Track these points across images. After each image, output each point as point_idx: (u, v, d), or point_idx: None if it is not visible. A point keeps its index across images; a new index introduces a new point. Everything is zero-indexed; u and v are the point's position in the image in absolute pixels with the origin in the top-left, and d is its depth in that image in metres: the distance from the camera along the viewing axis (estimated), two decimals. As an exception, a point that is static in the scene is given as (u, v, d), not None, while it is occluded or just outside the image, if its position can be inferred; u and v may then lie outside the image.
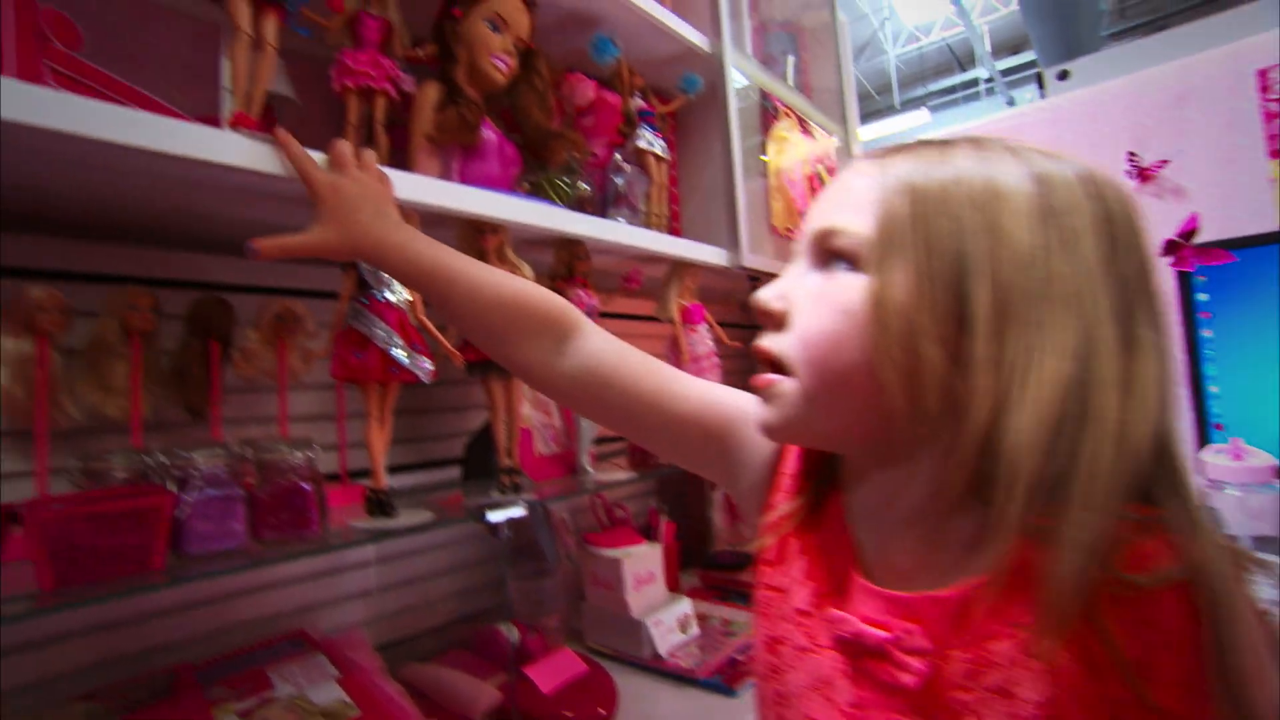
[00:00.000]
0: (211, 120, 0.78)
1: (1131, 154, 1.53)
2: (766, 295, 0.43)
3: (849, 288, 0.39)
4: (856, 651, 0.40)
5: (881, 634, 0.38)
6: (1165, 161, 1.49)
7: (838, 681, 0.41)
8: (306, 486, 0.68)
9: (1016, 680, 0.34)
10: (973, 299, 0.36)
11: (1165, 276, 1.41)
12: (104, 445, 0.78)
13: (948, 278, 0.36)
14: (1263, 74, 1.39)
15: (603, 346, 0.57)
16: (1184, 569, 0.33)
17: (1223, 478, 1.05)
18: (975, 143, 0.40)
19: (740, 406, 0.54)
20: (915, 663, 0.37)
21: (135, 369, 0.73)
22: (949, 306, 0.36)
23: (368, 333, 0.73)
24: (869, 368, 0.37)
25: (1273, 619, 0.35)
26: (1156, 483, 0.35)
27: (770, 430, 0.44)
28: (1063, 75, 1.89)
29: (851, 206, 0.40)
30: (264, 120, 0.94)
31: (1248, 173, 1.41)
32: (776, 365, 0.42)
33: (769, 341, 0.43)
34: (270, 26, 0.68)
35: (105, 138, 0.54)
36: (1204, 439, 1.32)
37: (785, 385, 0.41)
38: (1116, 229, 0.37)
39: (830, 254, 0.41)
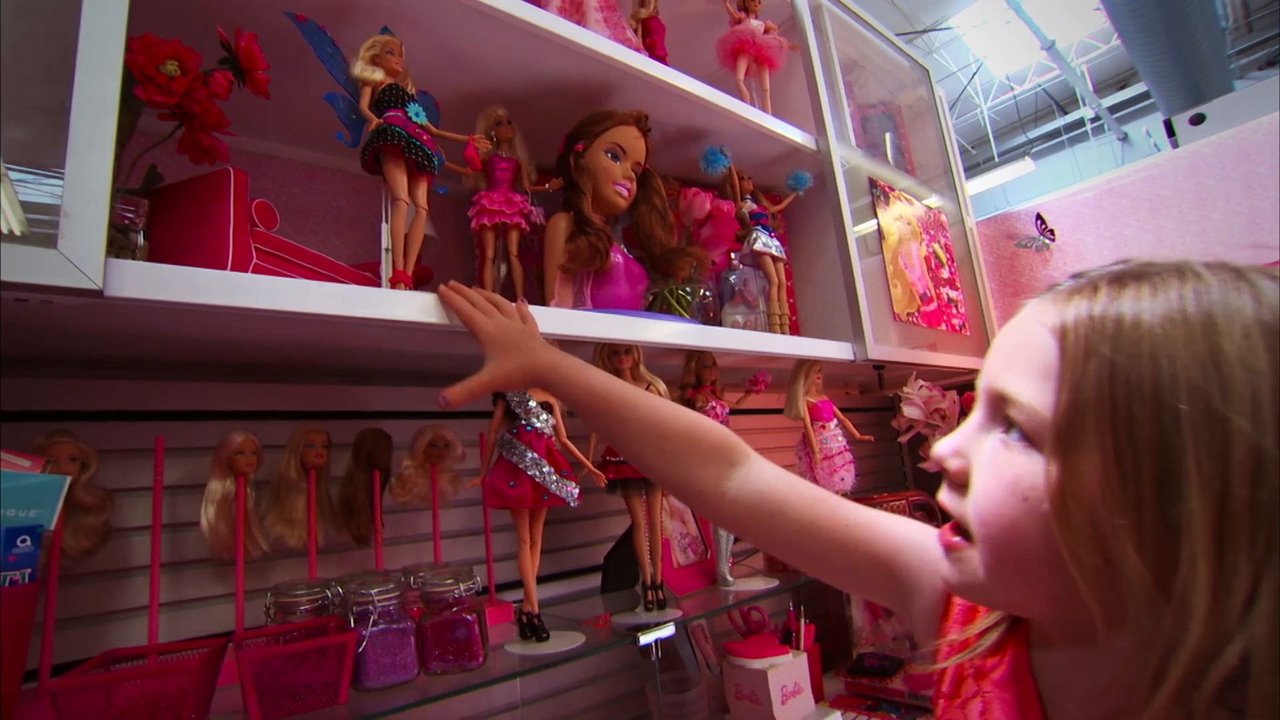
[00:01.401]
0: (371, 268, 0.87)
1: (1296, 196, 1.38)
2: (944, 451, 0.41)
3: (1025, 470, 0.35)
4: None
5: None
6: (1342, 201, 1.34)
7: None
8: (469, 618, 0.70)
9: None
10: (1184, 502, 0.29)
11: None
12: (283, 570, 0.86)
13: (1150, 473, 0.30)
14: None
15: (773, 476, 0.58)
16: None
17: None
18: (1185, 274, 0.32)
19: (909, 535, 0.52)
20: None
21: (311, 503, 0.79)
22: (1153, 507, 0.30)
23: (519, 463, 0.75)
24: (1050, 559, 0.33)
25: None
26: None
27: (954, 590, 0.42)
28: (1197, 119, 1.76)
29: (1029, 371, 0.36)
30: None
31: None
32: (961, 530, 0.40)
33: (951, 502, 0.41)
34: (421, 192, 0.76)
35: (293, 310, 0.61)
36: None
37: (968, 553, 0.39)
38: None
39: (1007, 420, 0.37)
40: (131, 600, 0.78)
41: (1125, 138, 6.80)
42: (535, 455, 0.76)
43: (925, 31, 6.08)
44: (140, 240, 0.63)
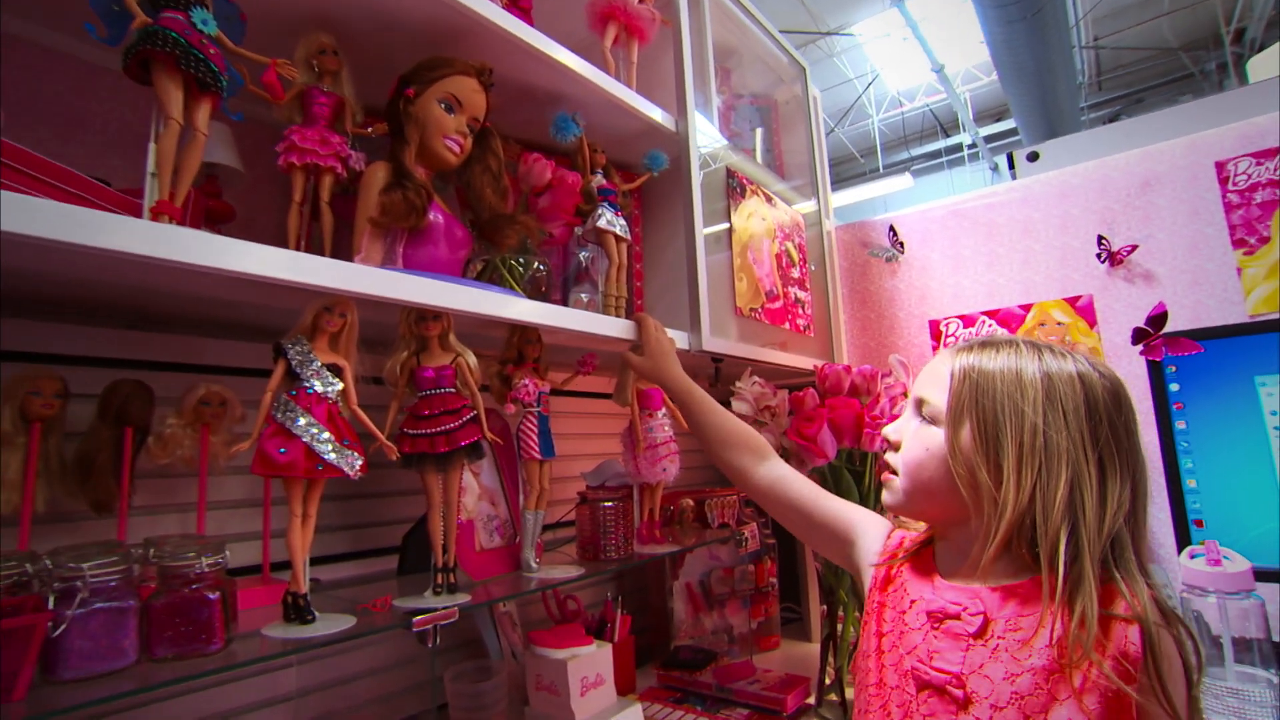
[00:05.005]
0: (137, 194, 0.78)
1: (1101, 237, 1.59)
2: (889, 431, 0.76)
3: (931, 435, 0.70)
4: (940, 617, 0.67)
5: (955, 606, 0.66)
6: (1134, 246, 1.55)
7: (925, 640, 0.67)
8: (211, 596, 0.65)
9: (1030, 639, 0.61)
10: (1005, 449, 0.63)
11: (1138, 367, 1.45)
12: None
13: (992, 436, 0.64)
14: (1221, 166, 1.46)
15: (785, 469, 0.94)
16: (1132, 613, 0.59)
17: (1202, 584, 1.05)
18: (1014, 345, 0.68)
19: (856, 513, 0.86)
20: (976, 618, 0.64)
21: (32, 460, 0.70)
22: (993, 451, 0.64)
23: (292, 427, 0.71)
24: (940, 480, 0.68)
25: (1182, 646, 0.60)
26: (1118, 561, 0.61)
27: (889, 507, 0.75)
28: (1033, 156, 1.97)
29: (935, 385, 0.71)
30: (206, 191, 0.96)
31: (1214, 260, 1.47)
32: (894, 471, 0.74)
33: (890, 457, 0.75)
34: (202, 114, 0.69)
35: (16, 231, 0.53)
36: (1185, 538, 1.32)
37: (896, 482, 0.73)
38: (1095, 408, 0.63)
39: (922, 413, 0.72)
40: None
41: (995, 168, 7.52)
42: (312, 419, 0.72)
43: (828, 34, 6.39)
44: None
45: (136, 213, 0.68)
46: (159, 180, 0.68)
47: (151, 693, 0.56)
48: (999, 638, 0.63)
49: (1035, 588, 0.62)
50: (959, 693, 0.63)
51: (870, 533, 0.84)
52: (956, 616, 0.66)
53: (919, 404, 0.72)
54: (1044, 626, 0.60)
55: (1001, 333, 1.61)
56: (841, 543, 0.86)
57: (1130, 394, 0.67)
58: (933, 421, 0.70)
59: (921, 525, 0.79)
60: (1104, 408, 0.63)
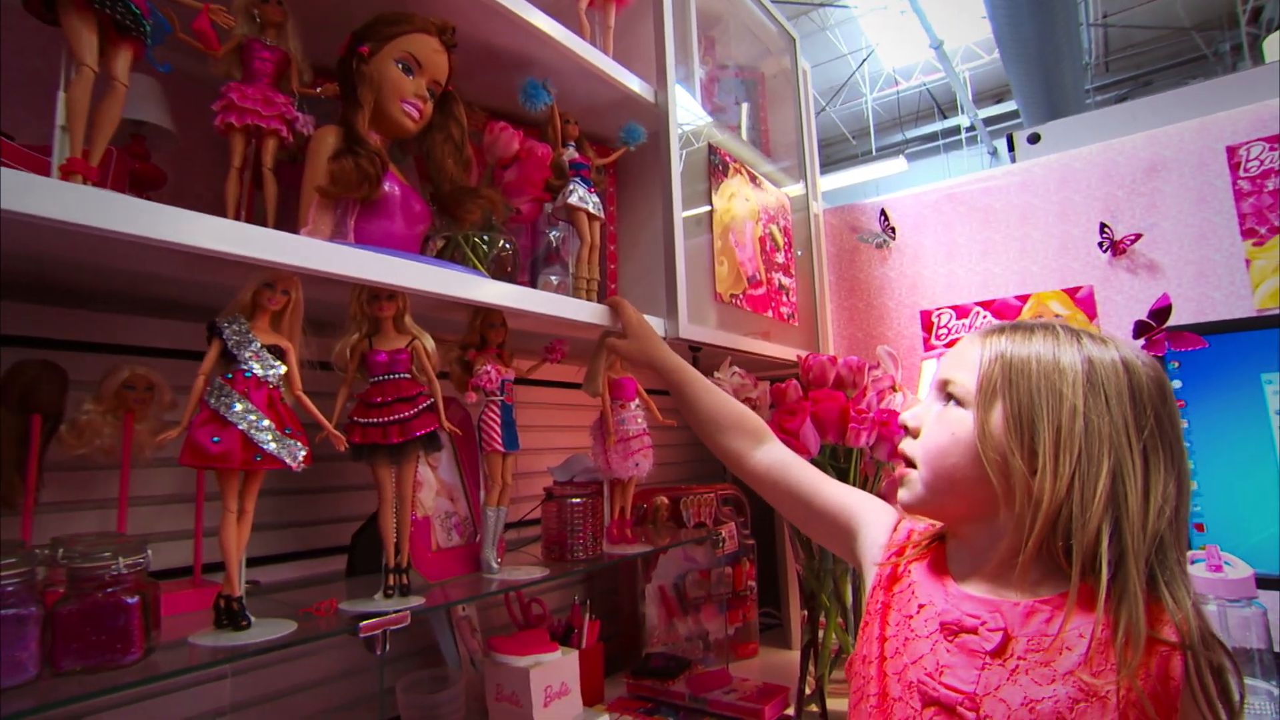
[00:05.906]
0: (45, 151, 0.73)
1: (1104, 225, 1.60)
2: (906, 416, 0.75)
3: (958, 419, 0.68)
4: (954, 630, 0.65)
5: (973, 619, 0.64)
6: (1138, 235, 1.56)
7: (935, 651, 0.65)
8: (129, 600, 0.62)
9: (1054, 660, 0.59)
10: (1041, 433, 0.62)
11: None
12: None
13: (1026, 419, 0.63)
14: (1232, 151, 1.47)
15: (784, 453, 0.94)
16: (1179, 636, 0.56)
17: (1201, 591, 1.06)
18: (1049, 329, 0.67)
19: (863, 504, 0.85)
20: (996, 635, 0.62)
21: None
22: (1028, 436, 0.63)
23: (227, 413, 0.69)
24: (966, 469, 0.66)
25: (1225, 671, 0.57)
26: (1161, 567, 0.59)
27: (904, 505, 0.73)
28: (1034, 138, 1.98)
29: (963, 367, 0.69)
30: (132, 152, 0.92)
31: (1222, 251, 1.49)
32: (911, 463, 0.72)
33: (906, 446, 0.74)
34: (121, 62, 0.66)
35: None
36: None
37: (914, 475, 0.71)
38: (1139, 395, 0.62)
39: (947, 395, 0.70)
40: None
41: (994, 152, 7.59)
42: (250, 405, 0.69)
43: (821, 5, 6.39)
44: None
45: (45, 171, 0.65)
46: (70, 135, 0.64)
47: (54, 711, 0.53)
48: (1019, 658, 0.61)
49: (1065, 604, 0.59)
50: (971, 715, 0.61)
51: (874, 523, 0.81)
52: (973, 631, 0.63)
53: (944, 385, 0.70)
54: (1066, 646, 0.58)
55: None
56: (843, 534, 0.84)
57: (1171, 386, 0.66)
58: (960, 403, 0.68)
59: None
60: (1149, 395, 0.62)
